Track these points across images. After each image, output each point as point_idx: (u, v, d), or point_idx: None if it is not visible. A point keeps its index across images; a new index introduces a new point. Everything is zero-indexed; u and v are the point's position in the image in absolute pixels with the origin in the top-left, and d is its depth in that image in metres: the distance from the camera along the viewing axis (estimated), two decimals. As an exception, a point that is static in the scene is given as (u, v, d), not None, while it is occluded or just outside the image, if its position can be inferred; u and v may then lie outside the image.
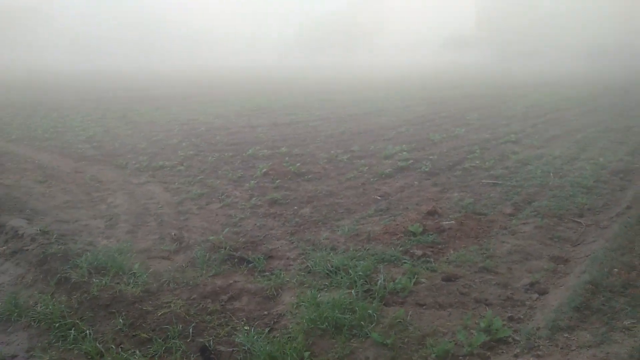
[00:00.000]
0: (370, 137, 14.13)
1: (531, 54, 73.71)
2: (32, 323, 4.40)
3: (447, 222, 6.99)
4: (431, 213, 7.42)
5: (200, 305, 4.67)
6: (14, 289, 5.05)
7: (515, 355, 3.82)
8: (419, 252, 5.86)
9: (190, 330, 4.28)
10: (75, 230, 6.74)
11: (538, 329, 4.10)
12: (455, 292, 4.78)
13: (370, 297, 4.66)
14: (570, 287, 4.65)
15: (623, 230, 6.22)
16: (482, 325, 4.13)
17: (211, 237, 6.25)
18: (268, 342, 4.00)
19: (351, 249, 5.93)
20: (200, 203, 8.08)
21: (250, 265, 5.46)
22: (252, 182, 9.19)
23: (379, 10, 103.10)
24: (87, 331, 4.24)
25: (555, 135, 14.03)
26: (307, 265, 5.40)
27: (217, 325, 4.39)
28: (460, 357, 3.83)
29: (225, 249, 5.82)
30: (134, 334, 4.26)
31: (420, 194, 8.57)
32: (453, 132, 14.79)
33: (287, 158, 11.19)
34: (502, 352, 3.89)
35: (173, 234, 6.59)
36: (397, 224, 6.90)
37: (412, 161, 10.78)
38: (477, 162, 10.71)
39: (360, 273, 5.05)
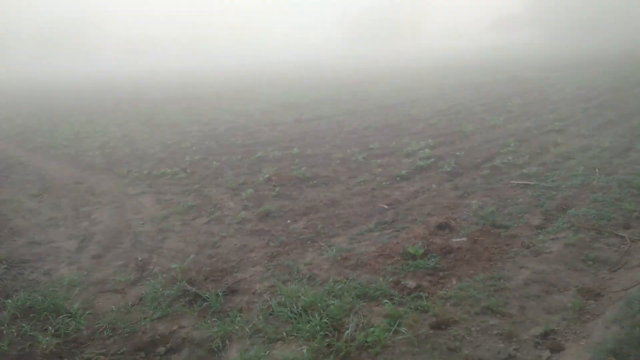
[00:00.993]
0: (395, 132, 12.97)
1: (586, 31, 68.61)
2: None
3: (457, 240, 5.88)
4: (442, 227, 6.32)
5: (131, 361, 3.90)
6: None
7: None
8: (413, 284, 4.81)
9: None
10: (42, 255, 6.18)
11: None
12: (442, 348, 3.73)
13: (332, 355, 3.70)
14: (592, 345, 3.50)
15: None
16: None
17: (174, 265, 5.48)
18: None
19: (331, 280, 4.96)
20: (186, 218, 7.35)
21: (204, 304, 4.63)
22: (250, 190, 8.37)
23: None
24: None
25: (608, 121, 12.31)
26: (271, 305, 4.50)
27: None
28: None
29: (181, 281, 5.02)
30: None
31: (436, 200, 7.44)
32: (489, 122, 13.37)
33: (297, 160, 10.29)
34: None
35: (139, 259, 5.88)
36: (397, 243, 5.86)
37: (434, 159, 9.60)
38: (510, 157, 9.38)
39: (328, 318, 4.10)
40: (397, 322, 4.04)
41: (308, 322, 4.09)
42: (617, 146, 9.64)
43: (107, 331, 4.28)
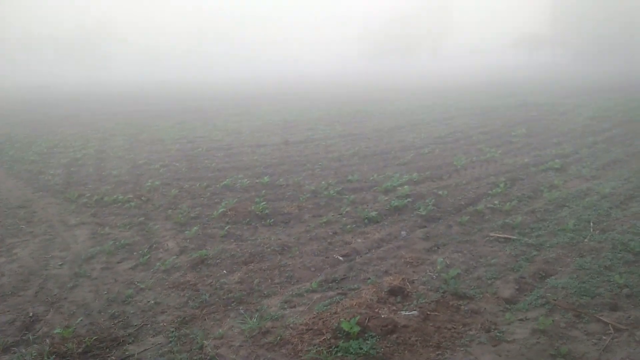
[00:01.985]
0: (382, 161, 12.01)
1: (611, 55, 66.99)
2: None
3: (406, 314, 4.89)
4: (394, 292, 5.34)
5: None
6: None
7: None
8: (328, 381, 3.84)
9: None
10: None
11: None
12: None
13: None
14: None
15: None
16: None
17: (57, 330, 4.58)
18: None
19: (230, 369, 4.02)
20: (112, 260, 6.46)
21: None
22: (197, 228, 7.47)
23: (446, 12, 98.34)
24: None
25: (615, 160, 11.19)
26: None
27: None
28: None
29: (48, 358, 4.11)
30: None
31: (400, 253, 6.46)
32: (486, 154, 12.33)
33: (264, 191, 9.39)
34: None
35: (30, 314, 5.01)
36: (336, 312, 4.89)
37: (411, 199, 8.62)
38: (497, 201, 8.36)
39: None
40: None
41: None
42: (619, 193, 8.55)
43: None
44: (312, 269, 6.08)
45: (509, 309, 4.93)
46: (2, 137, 17.37)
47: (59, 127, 19.63)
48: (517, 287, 5.37)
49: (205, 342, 4.43)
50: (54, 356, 4.16)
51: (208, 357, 4.21)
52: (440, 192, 8.98)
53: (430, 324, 4.68)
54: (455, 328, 4.61)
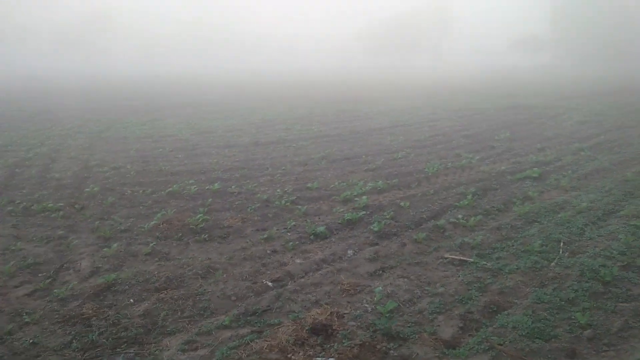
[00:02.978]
0: (350, 166, 11.20)
1: (612, 57, 66.17)
2: None
3: (320, 361, 4.09)
4: (317, 330, 4.54)
5: None
6: None
7: None
8: None
9: None
10: None
11: None
12: None
13: None
14: None
15: None
16: None
17: None
18: None
19: None
20: (9, 284, 5.64)
21: None
22: (120, 244, 6.66)
23: (447, 12, 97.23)
24: None
25: (599, 169, 10.39)
26: None
27: None
28: None
29: None
30: None
31: (338, 278, 5.65)
32: (462, 160, 11.51)
33: (210, 200, 8.57)
34: None
35: None
36: (240, 359, 4.09)
37: (368, 211, 7.82)
38: (461, 215, 7.55)
39: None
40: None
41: None
42: (597, 207, 7.74)
43: None
44: (233, 298, 5.28)
45: (446, 354, 4.14)
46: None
47: (24, 123, 18.75)
48: (461, 324, 4.57)
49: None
50: None
51: None
52: (402, 204, 8.17)
53: (347, 377, 3.88)
54: (375, 383, 3.82)
